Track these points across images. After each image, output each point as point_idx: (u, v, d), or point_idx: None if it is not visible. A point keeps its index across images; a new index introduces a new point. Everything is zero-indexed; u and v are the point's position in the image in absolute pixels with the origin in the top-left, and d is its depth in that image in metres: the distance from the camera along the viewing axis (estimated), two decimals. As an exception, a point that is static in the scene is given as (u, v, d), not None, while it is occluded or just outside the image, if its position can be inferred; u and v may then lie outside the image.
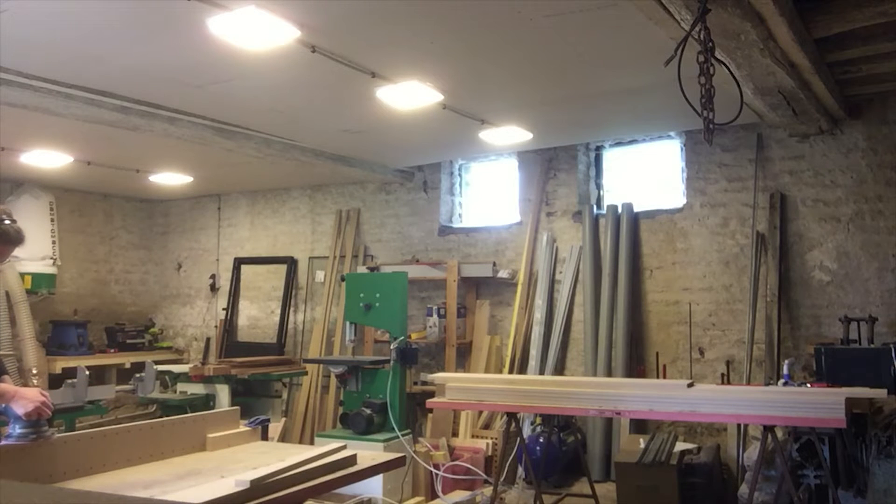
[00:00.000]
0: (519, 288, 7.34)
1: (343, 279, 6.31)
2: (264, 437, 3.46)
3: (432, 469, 5.97)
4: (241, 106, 5.75)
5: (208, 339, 9.67)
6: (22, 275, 8.10)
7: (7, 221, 3.53)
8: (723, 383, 5.52)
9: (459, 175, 8.26)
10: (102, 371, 8.64)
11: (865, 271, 5.95)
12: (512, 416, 5.06)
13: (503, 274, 7.42)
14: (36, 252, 8.27)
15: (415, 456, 5.67)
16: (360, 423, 5.52)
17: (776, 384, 5.11)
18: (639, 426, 6.44)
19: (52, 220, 8.50)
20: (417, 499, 5.64)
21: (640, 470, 5.26)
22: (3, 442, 2.80)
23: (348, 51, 4.53)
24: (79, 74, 4.95)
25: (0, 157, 7.06)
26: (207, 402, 6.51)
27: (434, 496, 5.86)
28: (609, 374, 6.64)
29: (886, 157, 5.93)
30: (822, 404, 3.91)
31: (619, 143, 7.33)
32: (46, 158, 7.14)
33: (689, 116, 3.53)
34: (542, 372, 7.00)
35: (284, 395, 8.02)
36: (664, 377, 6.26)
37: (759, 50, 3.97)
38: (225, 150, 6.69)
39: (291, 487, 2.50)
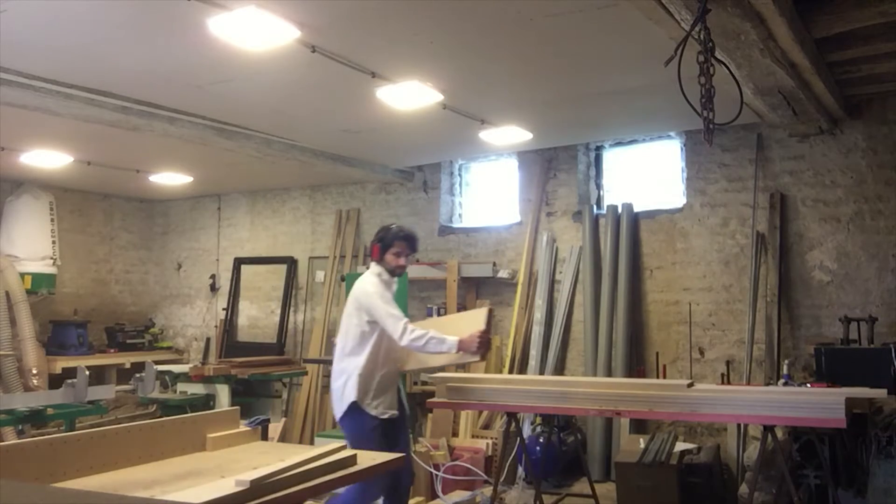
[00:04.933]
0: (519, 288, 7.34)
1: (343, 279, 6.31)
2: (264, 437, 3.46)
3: (432, 469, 5.97)
4: (241, 106, 5.75)
5: (208, 339, 9.68)
6: (22, 275, 8.10)
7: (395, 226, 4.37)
8: (723, 383, 5.51)
9: (459, 175, 8.26)
10: (102, 371, 8.64)
11: (865, 271, 5.95)
12: (512, 416, 5.06)
13: (503, 274, 7.42)
14: (36, 252, 8.27)
15: (415, 456, 5.66)
16: (360, 423, 5.51)
17: (776, 384, 5.12)
18: (639, 426, 6.44)
19: (52, 220, 8.50)
20: (417, 499, 5.64)
21: (640, 470, 5.26)
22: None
23: (348, 51, 4.53)
24: (79, 74, 4.95)
25: (0, 157, 7.07)
26: (207, 402, 6.51)
27: (434, 496, 5.87)
28: (609, 374, 6.64)
29: (886, 157, 5.93)
30: (822, 404, 3.91)
31: (619, 143, 7.33)
32: (46, 158, 7.14)
33: (689, 116, 3.53)
34: (542, 372, 7.00)
35: (284, 395, 8.02)
36: (664, 377, 6.26)
37: (759, 50, 3.97)
38: (225, 150, 6.70)
39: (291, 487, 2.50)
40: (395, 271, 4.25)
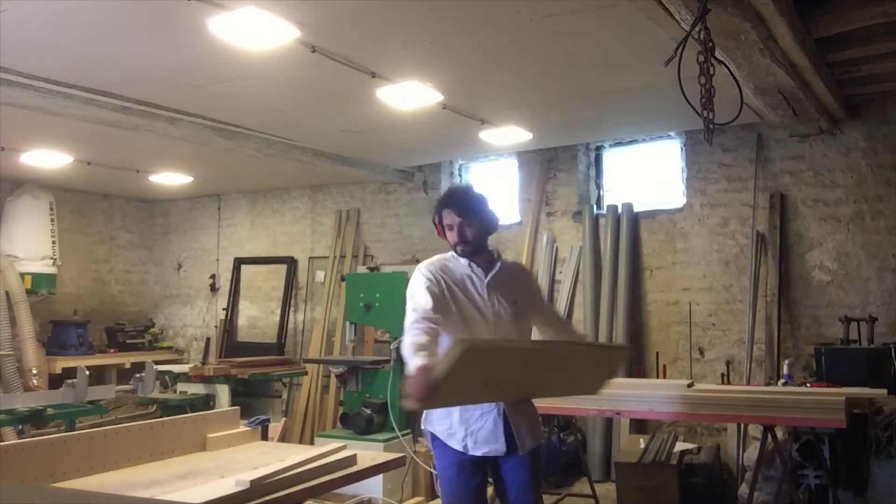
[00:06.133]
0: (519, 288, 7.32)
1: (343, 279, 6.30)
2: (264, 437, 3.46)
3: (432, 469, 5.96)
4: (241, 106, 5.75)
5: (208, 339, 9.67)
6: (22, 275, 8.10)
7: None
8: (723, 383, 5.52)
9: (459, 175, 8.26)
10: (102, 371, 8.64)
11: (865, 271, 5.95)
12: (512, 416, 5.04)
13: (503, 274, 7.41)
14: (36, 252, 8.26)
15: (414, 456, 5.66)
16: (360, 423, 5.52)
17: (776, 384, 5.11)
18: (639, 426, 6.44)
19: (52, 220, 8.49)
20: (417, 499, 5.64)
21: (640, 470, 5.26)
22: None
23: (348, 51, 4.53)
24: (79, 74, 4.95)
25: (0, 157, 7.06)
26: (207, 402, 6.50)
27: (434, 496, 5.85)
28: (609, 374, 6.63)
29: (886, 157, 5.93)
30: (822, 404, 3.91)
31: (619, 143, 7.33)
32: (46, 158, 7.14)
33: (689, 116, 3.53)
34: (542, 372, 6.98)
35: (284, 395, 8.02)
36: (664, 377, 6.26)
37: (759, 50, 3.97)
38: (225, 150, 6.69)
39: (291, 487, 2.50)
40: (457, 250, 3.07)
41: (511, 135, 6.50)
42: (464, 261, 3.05)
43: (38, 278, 8.24)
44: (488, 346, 2.74)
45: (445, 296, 2.95)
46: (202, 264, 9.91)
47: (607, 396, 4.45)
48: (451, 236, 3.05)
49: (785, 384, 4.89)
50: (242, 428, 3.36)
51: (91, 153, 7.24)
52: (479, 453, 2.92)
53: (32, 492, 1.91)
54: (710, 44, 3.27)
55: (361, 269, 7.95)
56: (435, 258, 3.14)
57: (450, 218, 3.04)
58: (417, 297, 2.94)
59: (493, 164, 8.07)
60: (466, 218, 3.01)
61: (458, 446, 2.94)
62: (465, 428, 2.92)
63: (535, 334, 3.19)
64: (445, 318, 2.91)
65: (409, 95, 5.21)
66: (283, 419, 7.11)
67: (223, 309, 9.51)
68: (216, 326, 9.59)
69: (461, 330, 2.90)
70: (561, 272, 7.24)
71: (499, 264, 3.07)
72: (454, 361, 2.34)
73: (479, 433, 2.91)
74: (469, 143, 6.99)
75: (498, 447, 2.90)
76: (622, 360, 3.08)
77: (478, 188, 3.16)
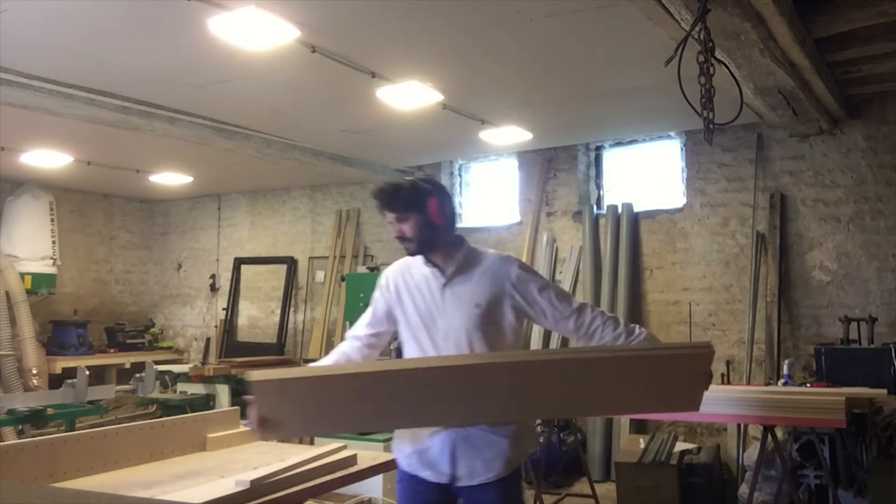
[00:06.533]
0: (519, 288, 7.32)
1: (343, 279, 6.31)
2: (264, 437, 3.46)
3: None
4: (241, 106, 5.75)
5: (208, 339, 9.68)
6: (22, 275, 8.11)
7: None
8: (723, 383, 5.51)
9: (459, 175, 8.25)
10: (102, 371, 8.64)
11: (865, 271, 5.95)
12: (512, 416, 5.02)
13: (503, 274, 7.40)
14: (36, 252, 8.27)
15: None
16: (360, 423, 5.50)
17: (776, 384, 5.12)
18: (639, 426, 6.44)
19: (52, 220, 8.50)
20: (417, 499, 5.63)
21: (640, 470, 5.26)
22: None
23: (348, 51, 4.53)
24: (79, 74, 4.95)
25: (0, 157, 7.07)
26: (207, 402, 6.51)
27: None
28: (609, 374, 6.63)
29: (886, 157, 5.93)
30: (822, 404, 3.91)
31: (619, 143, 7.33)
32: (46, 158, 7.15)
33: (689, 116, 3.53)
34: (542, 372, 6.98)
35: (284, 395, 8.02)
36: (664, 377, 6.25)
37: (759, 50, 3.97)
38: (225, 150, 6.69)
39: (291, 487, 2.50)
40: (404, 249, 2.68)
41: (511, 135, 6.51)
42: (421, 259, 2.66)
43: (38, 278, 8.25)
44: (286, 376, 2.35)
45: (394, 304, 2.68)
46: (202, 264, 9.91)
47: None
48: (393, 233, 2.67)
49: (785, 384, 4.89)
50: (242, 428, 3.36)
51: (91, 153, 7.24)
52: (421, 476, 2.55)
53: (32, 492, 1.91)
54: (710, 44, 3.27)
55: (361, 269, 7.95)
56: (403, 259, 2.80)
57: (388, 216, 2.66)
58: (365, 311, 2.77)
59: (493, 164, 8.07)
60: (399, 213, 2.60)
61: (404, 463, 2.61)
62: (411, 446, 2.57)
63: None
64: (399, 327, 2.68)
65: (409, 95, 5.21)
66: (283, 419, 7.11)
67: (223, 309, 9.52)
68: (216, 326, 9.59)
69: (409, 340, 2.64)
70: (561, 272, 7.23)
71: (455, 263, 2.59)
72: (255, 397, 2.15)
73: (425, 455, 2.53)
74: (469, 143, 6.99)
75: (442, 471, 2.51)
76: (705, 362, 2.30)
77: (427, 182, 2.74)
